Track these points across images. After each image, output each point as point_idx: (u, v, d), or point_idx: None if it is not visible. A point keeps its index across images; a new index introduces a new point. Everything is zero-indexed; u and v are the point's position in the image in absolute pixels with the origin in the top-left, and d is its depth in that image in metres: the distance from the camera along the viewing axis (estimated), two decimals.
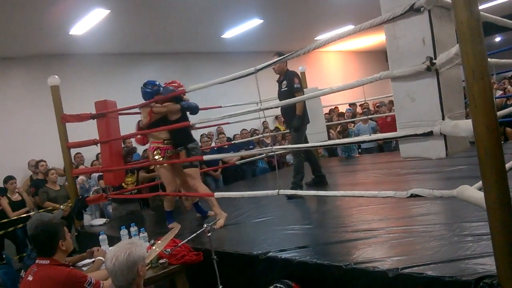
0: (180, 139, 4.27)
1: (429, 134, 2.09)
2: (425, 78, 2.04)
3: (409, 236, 2.66)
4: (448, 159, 2.16)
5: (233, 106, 6.56)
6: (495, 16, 2.65)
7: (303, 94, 4.67)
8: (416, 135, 2.14)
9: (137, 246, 2.02)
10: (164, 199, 4.44)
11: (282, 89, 4.79)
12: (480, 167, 1.62)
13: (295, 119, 4.67)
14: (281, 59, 3.16)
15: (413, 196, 2.31)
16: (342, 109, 9.92)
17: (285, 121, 4.81)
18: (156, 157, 4.20)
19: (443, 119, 2.04)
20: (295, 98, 4.18)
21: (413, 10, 1.97)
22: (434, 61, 1.98)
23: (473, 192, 1.90)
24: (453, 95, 2.10)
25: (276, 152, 3.99)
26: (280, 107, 4.78)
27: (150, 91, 4.23)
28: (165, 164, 4.23)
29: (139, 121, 4.52)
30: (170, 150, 4.25)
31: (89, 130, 5.39)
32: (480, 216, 2.64)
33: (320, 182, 5.13)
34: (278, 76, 4.89)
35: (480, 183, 1.72)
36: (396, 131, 2.28)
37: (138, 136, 4.61)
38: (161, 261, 2.89)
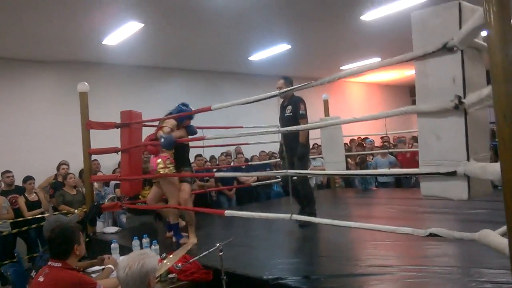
0: (181, 161, 4.38)
1: (452, 174, 2.05)
2: (452, 116, 2.02)
3: (424, 276, 2.59)
4: (467, 201, 2.12)
5: (254, 127, 6.61)
6: None
7: (307, 122, 4.57)
8: (438, 173, 2.11)
9: (150, 257, 2.03)
10: (169, 213, 4.42)
11: (286, 114, 4.66)
12: (506, 212, 1.58)
13: (299, 147, 4.52)
14: (306, 85, 3.14)
15: (431, 235, 2.26)
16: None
17: (286, 148, 4.66)
18: (161, 166, 4.21)
19: (467, 160, 2.01)
20: (305, 125, 4.19)
21: (446, 48, 1.97)
22: (463, 100, 1.96)
23: (496, 238, 1.84)
24: (479, 136, 2.07)
25: (292, 176, 3.97)
26: (282, 133, 4.67)
27: (186, 109, 4.38)
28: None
29: (156, 133, 4.55)
30: (171, 162, 4.28)
31: (110, 138, 5.51)
32: (501, 263, 2.56)
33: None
34: (279, 100, 4.70)
35: (504, 228, 1.68)
36: (415, 167, 2.25)
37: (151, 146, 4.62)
38: (170, 275, 2.89)
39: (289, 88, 3.14)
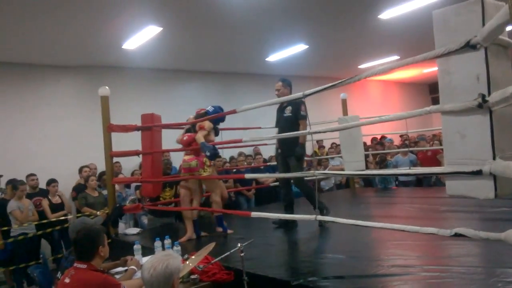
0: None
1: (478, 173, 2.03)
2: (477, 115, 2.00)
3: (449, 277, 2.55)
4: (491, 199, 2.09)
5: (273, 128, 6.61)
6: None
7: (307, 123, 4.37)
8: (464, 172, 2.08)
9: (174, 258, 2.05)
10: (214, 203, 4.64)
11: (285, 115, 4.60)
12: None
13: (298, 148, 4.48)
14: (327, 87, 3.11)
15: (456, 235, 2.23)
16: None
17: (282, 148, 4.68)
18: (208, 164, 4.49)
19: (493, 158, 1.98)
20: (329, 127, 4.15)
21: (469, 46, 1.95)
22: (487, 98, 1.94)
23: None
24: (506, 135, 2.04)
25: (318, 177, 3.98)
26: (279, 134, 4.58)
27: (221, 111, 4.55)
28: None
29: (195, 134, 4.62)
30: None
31: (129, 140, 5.59)
32: None
33: (288, 225, 4.59)
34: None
35: None
36: (436, 165, 2.22)
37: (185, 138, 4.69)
38: (192, 276, 2.91)
39: (314, 90, 3.11)
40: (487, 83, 1.97)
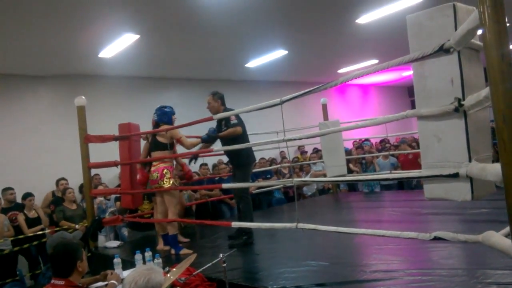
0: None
1: (455, 175, 2.04)
2: (453, 118, 2.01)
3: (430, 280, 2.56)
4: (471, 201, 2.11)
5: (253, 134, 6.59)
6: None
7: (242, 129, 4.32)
8: (441, 176, 2.09)
9: (156, 272, 2.00)
10: (169, 224, 4.39)
11: (223, 128, 4.42)
12: (508, 213, 1.55)
13: (240, 158, 4.39)
14: (305, 92, 3.08)
15: (436, 238, 2.23)
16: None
17: (229, 160, 4.76)
18: (168, 177, 4.31)
19: (469, 161, 1.99)
20: (309, 133, 4.10)
21: (443, 50, 1.96)
22: (462, 102, 1.95)
23: (500, 239, 1.82)
24: (480, 137, 2.06)
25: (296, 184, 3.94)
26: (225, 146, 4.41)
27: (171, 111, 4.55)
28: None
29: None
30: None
31: (109, 151, 5.49)
32: (506, 263, 2.54)
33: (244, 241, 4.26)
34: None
35: (507, 229, 1.66)
36: (417, 168, 2.23)
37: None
38: None
39: (290, 96, 3.08)
40: (461, 86, 1.98)
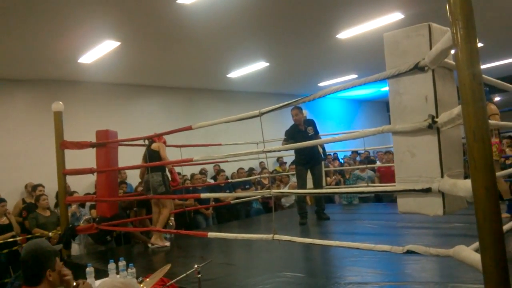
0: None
1: (428, 190, 2.09)
2: (426, 135, 2.07)
3: None
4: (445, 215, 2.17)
5: (234, 144, 6.60)
6: (496, 80, 2.71)
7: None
8: (414, 190, 2.14)
9: (132, 286, 1.94)
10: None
11: (310, 134, 5.32)
12: (478, 229, 1.60)
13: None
14: (284, 105, 3.13)
15: (409, 252, 2.27)
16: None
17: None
18: None
19: (442, 176, 2.05)
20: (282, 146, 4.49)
21: (418, 68, 2.03)
22: (436, 119, 2.01)
23: (470, 253, 1.87)
24: (452, 153, 2.12)
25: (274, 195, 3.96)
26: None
27: None
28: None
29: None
30: None
31: (85, 158, 5.40)
32: (476, 277, 2.58)
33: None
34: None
35: (476, 244, 1.70)
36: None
37: None
38: None
39: (269, 108, 3.12)
40: (435, 104, 2.05)
